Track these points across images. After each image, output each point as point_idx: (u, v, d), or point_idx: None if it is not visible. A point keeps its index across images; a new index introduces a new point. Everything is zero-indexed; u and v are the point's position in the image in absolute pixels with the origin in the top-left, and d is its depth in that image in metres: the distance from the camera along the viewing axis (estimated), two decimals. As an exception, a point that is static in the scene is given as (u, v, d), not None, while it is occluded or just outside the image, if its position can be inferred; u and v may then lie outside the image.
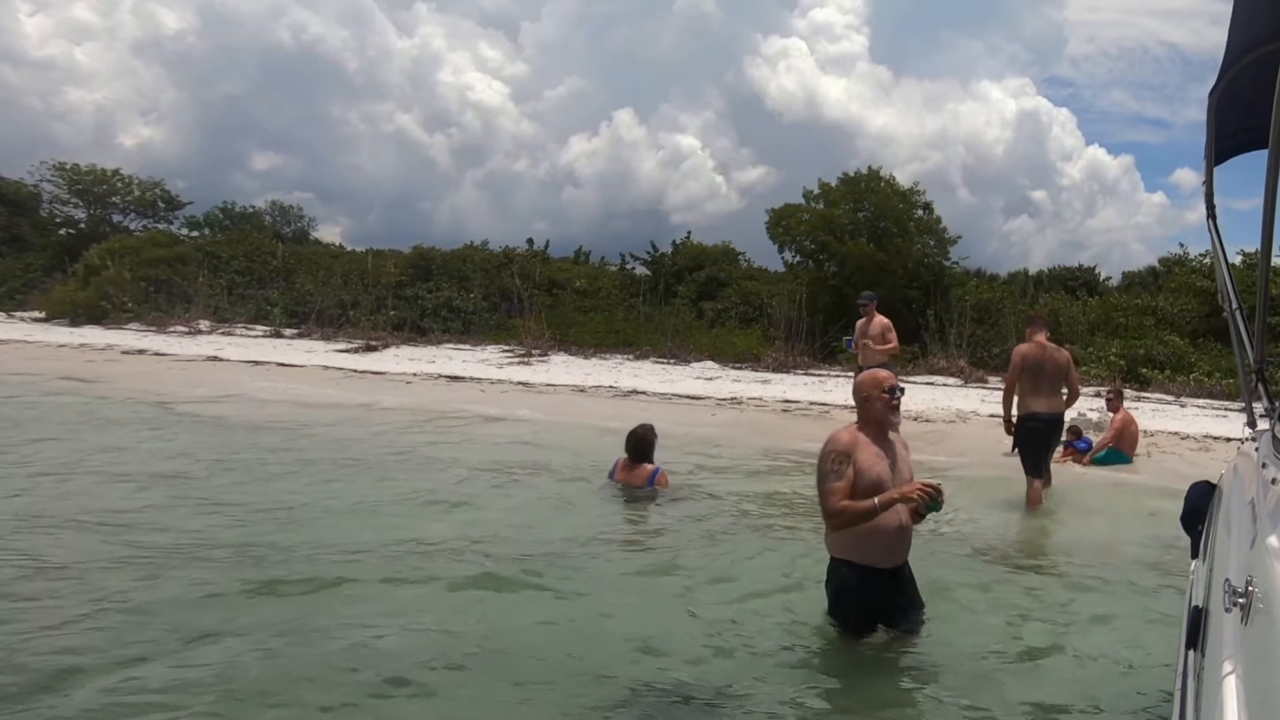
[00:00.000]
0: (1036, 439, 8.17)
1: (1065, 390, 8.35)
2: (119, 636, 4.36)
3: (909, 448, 4.60)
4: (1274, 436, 2.72)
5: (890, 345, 11.03)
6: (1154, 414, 14.48)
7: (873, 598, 4.30)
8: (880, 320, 11.08)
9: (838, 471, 4.18)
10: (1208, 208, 4.05)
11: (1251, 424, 3.64)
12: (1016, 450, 8.39)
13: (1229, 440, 12.58)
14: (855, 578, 4.27)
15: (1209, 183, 4.06)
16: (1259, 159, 3.45)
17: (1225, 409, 15.65)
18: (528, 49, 59.03)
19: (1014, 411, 8.27)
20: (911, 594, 4.46)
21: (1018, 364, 8.15)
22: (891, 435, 4.46)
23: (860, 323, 11.28)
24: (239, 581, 5.19)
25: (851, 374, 11.60)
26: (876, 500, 4.10)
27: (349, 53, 53.96)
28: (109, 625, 4.51)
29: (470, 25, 70.03)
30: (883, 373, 4.62)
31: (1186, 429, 13.60)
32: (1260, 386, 3.51)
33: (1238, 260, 21.23)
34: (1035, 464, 8.18)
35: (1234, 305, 3.67)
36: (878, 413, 4.39)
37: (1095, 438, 11.41)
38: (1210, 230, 4.06)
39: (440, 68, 55.22)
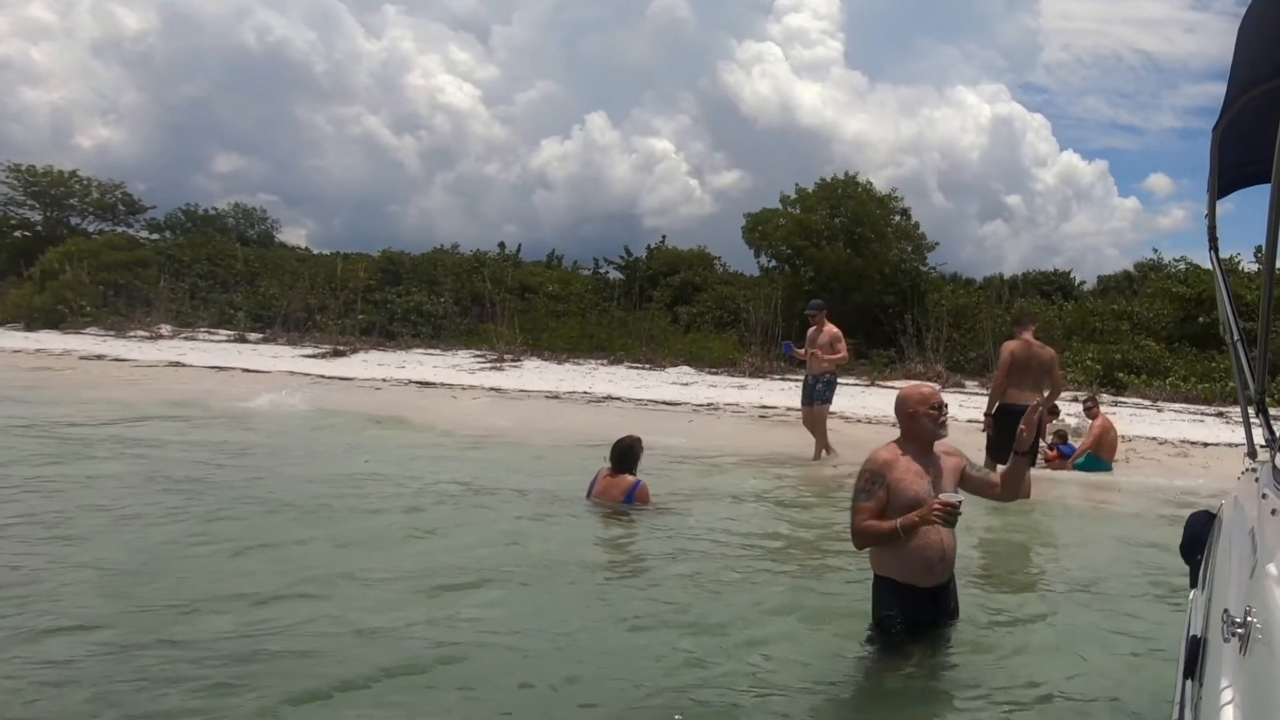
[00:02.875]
0: (1006, 427, 8.46)
1: (1048, 385, 8.80)
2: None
3: (958, 452, 4.43)
4: (1274, 467, 2.72)
5: (839, 355, 10.94)
6: (1131, 419, 14.48)
7: (914, 617, 4.23)
8: (830, 330, 10.98)
9: (868, 491, 4.14)
10: (1210, 240, 4.06)
11: (1252, 454, 3.62)
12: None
13: (1206, 445, 12.61)
14: (895, 596, 4.21)
15: (1211, 215, 4.07)
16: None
17: (1202, 413, 15.72)
18: (499, 52, 58.73)
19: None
20: (951, 613, 4.39)
21: (1008, 361, 8.61)
22: (937, 448, 4.30)
23: (810, 331, 11.16)
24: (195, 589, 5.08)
25: (800, 380, 11.50)
26: (898, 523, 4.05)
27: (316, 55, 53.14)
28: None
29: (440, 28, 69.62)
30: (927, 387, 4.49)
31: (1164, 434, 13.60)
32: (1261, 416, 3.45)
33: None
34: (999, 450, 8.51)
35: (1235, 336, 3.64)
36: (924, 429, 4.25)
37: (1075, 444, 11.41)
38: (1212, 262, 4.08)
39: (409, 70, 54.61)
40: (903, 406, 4.29)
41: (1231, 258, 16.48)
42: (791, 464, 10.68)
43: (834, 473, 10.06)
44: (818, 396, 10.87)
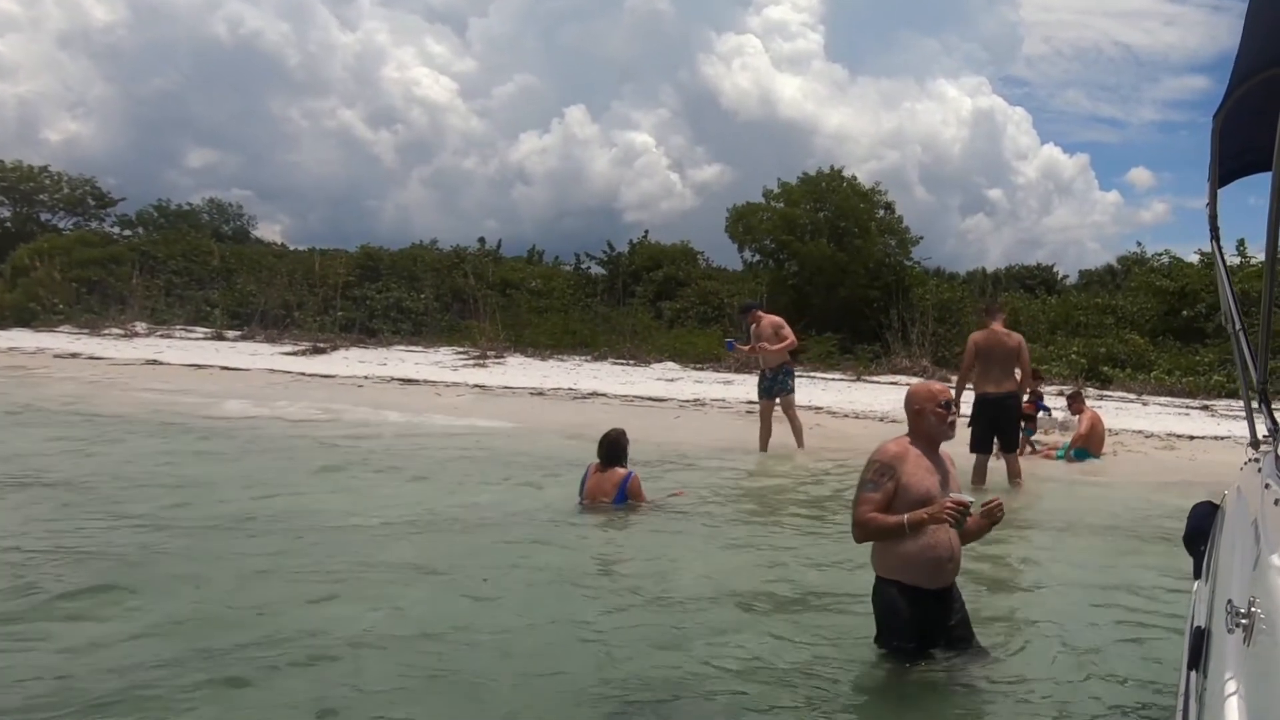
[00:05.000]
0: (983, 417, 8.81)
1: (1018, 372, 9.01)
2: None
3: (954, 462, 4.36)
4: (1277, 456, 2.73)
5: (787, 342, 10.91)
6: (1117, 412, 14.50)
7: (920, 619, 4.10)
8: (769, 320, 10.98)
9: (876, 483, 4.01)
10: (1211, 229, 4.07)
11: (1254, 444, 3.63)
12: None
13: (1193, 439, 12.64)
14: (902, 598, 4.06)
15: (1213, 204, 4.07)
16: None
17: (1187, 406, 15.77)
18: (476, 45, 58.22)
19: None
20: (961, 617, 4.24)
21: (971, 350, 8.89)
22: (942, 450, 4.24)
23: (752, 329, 11.11)
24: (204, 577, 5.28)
25: (756, 375, 11.40)
26: (906, 518, 3.92)
27: (289, 47, 52.52)
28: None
29: (416, 20, 68.83)
30: (937, 385, 4.42)
31: (1150, 427, 13.64)
32: (1263, 406, 3.46)
33: (1195, 259, 21.59)
34: (981, 441, 8.86)
35: (1236, 326, 3.66)
36: (931, 426, 4.14)
37: (1063, 438, 11.50)
38: (1214, 251, 4.09)
39: (385, 63, 54.21)
40: (910, 403, 4.23)
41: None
42: (781, 458, 10.60)
43: (821, 464, 10.03)
44: (780, 388, 10.80)
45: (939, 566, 4.05)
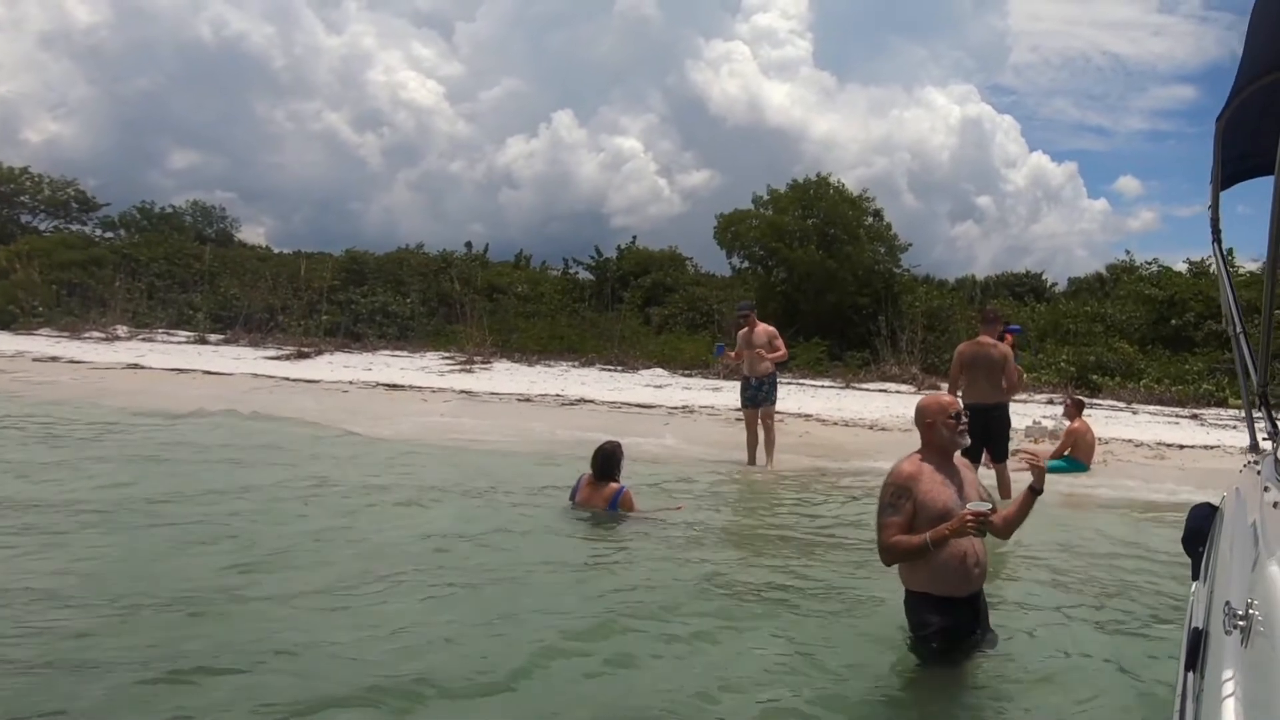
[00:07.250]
0: (972, 427, 8.67)
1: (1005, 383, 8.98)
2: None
3: (972, 466, 4.41)
4: (1276, 459, 2.77)
5: (780, 353, 10.74)
6: (1107, 421, 14.47)
7: (957, 627, 4.16)
8: (764, 328, 10.73)
9: (895, 506, 4.07)
10: (1213, 232, 4.11)
11: (1254, 447, 3.66)
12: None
13: (1183, 448, 12.60)
14: (936, 610, 4.12)
15: (1214, 207, 4.11)
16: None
17: (1176, 415, 15.76)
18: (463, 49, 58.18)
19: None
20: (985, 618, 4.36)
21: (956, 362, 8.94)
22: (956, 459, 4.28)
23: (742, 333, 10.85)
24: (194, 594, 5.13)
25: (739, 383, 11.12)
26: (928, 537, 3.98)
27: (274, 50, 52.31)
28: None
29: (403, 24, 68.63)
30: (947, 397, 4.45)
31: (1140, 436, 13.59)
32: (1264, 409, 3.48)
33: (1184, 268, 21.70)
34: (971, 451, 8.69)
35: (1237, 329, 3.69)
36: (944, 439, 4.22)
37: (1051, 447, 11.43)
38: (1215, 254, 4.16)
39: (371, 66, 54.11)
40: (921, 416, 4.28)
41: (1203, 260, 16.60)
42: (775, 463, 10.48)
43: (813, 470, 9.90)
44: (765, 398, 10.55)
45: (966, 574, 4.11)
